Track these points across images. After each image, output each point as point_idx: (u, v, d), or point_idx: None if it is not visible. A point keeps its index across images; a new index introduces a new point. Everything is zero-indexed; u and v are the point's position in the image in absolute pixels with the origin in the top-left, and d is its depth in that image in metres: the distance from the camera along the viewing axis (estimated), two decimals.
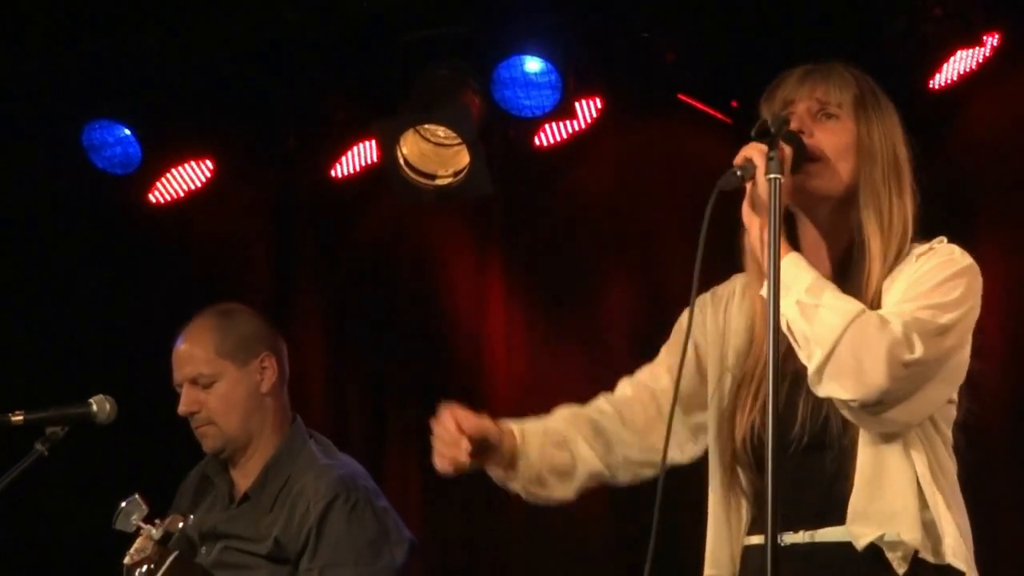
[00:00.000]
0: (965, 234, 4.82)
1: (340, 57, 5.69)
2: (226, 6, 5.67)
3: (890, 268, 2.93)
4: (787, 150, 2.78)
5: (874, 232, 2.93)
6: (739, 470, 2.97)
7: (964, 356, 2.93)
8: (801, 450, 2.87)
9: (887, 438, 2.85)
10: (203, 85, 5.81)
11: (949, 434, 2.98)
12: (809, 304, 2.78)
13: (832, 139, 2.94)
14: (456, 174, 5.61)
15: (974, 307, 2.92)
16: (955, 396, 2.97)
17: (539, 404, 5.61)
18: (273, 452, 4.10)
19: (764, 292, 2.72)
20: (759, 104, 3.01)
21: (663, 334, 3.13)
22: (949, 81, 5.36)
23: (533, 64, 5.49)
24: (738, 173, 2.75)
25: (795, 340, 2.80)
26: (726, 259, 2.98)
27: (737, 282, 3.10)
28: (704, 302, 3.10)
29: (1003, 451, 5.29)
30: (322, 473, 4.04)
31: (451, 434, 2.94)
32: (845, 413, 2.80)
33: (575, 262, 5.96)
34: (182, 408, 4.06)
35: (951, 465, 2.95)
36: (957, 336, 2.88)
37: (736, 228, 2.91)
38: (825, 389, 2.79)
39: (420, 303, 6.14)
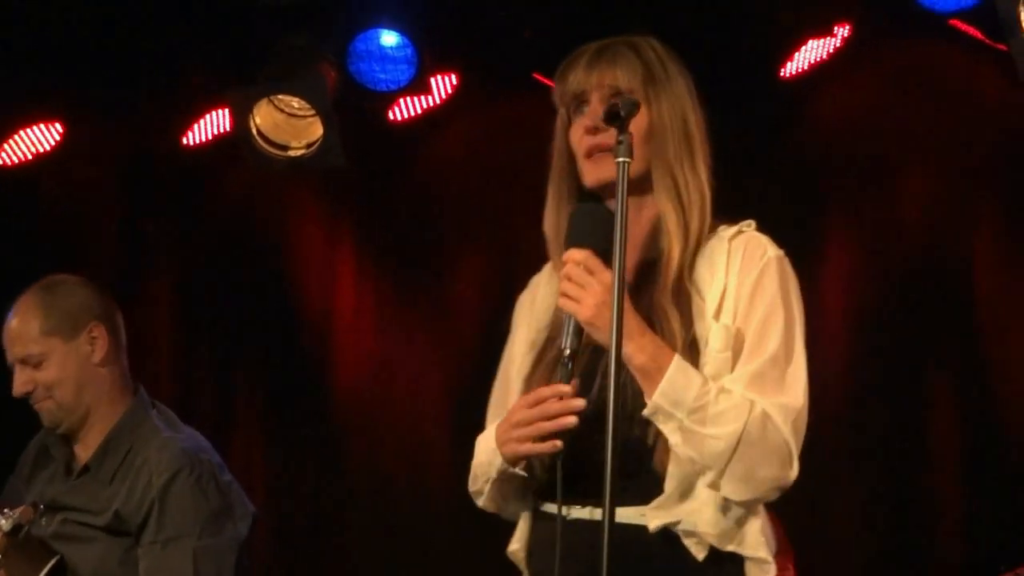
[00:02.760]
0: (814, 220, 5.44)
1: (196, 22, 5.60)
2: None
3: (695, 244, 2.94)
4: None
5: (669, 209, 2.93)
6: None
7: None
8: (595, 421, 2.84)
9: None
10: (53, 45, 5.70)
11: None
12: (695, 433, 2.79)
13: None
14: (309, 146, 5.55)
15: (802, 322, 2.94)
16: None
17: (388, 381, 5.90)
18: (114, 423, 4.07)
19: (616, 286, 2.70)
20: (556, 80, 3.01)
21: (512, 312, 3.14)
22: (800, 70, 5.41)
23: (389, 38, 5.46)
24: (567, 363, 2.77)
25: (681, 456, 2.82)
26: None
27: (547, 267, 3.11)
28: (522, 302, 3.13)
29: (843, 448, 5.36)
30: (165, 445, 4.00)
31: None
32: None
33: (427, 238, 5.97)
34: (15, 390, 4.04)
35: None
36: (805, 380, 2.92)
37: None
38: (723, 492, 2.82)
39: (270, 276, 6.10)
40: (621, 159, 2.76)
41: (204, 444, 4.12)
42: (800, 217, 5.36)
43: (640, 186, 2.95)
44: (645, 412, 2.77)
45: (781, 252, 2.95)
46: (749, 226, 2.96)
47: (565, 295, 2.78)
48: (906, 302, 5.40)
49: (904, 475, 5.36)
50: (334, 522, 5.97)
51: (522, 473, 2.88)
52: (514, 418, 2.83)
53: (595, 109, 2.93)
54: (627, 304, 2.74)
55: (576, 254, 2.79)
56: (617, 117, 2.79)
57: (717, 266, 2.90)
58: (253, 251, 6.12)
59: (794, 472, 2.80)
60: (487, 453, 2.92)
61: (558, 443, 2.76)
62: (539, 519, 2.95)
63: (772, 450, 2.78)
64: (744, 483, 2.77)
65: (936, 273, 5.40)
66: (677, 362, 2.78)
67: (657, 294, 2.89)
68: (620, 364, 2.63)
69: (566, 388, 2.75)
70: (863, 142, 5.47)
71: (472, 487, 3.02)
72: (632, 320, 2.78)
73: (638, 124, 2.90)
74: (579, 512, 2.85)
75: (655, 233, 2.97)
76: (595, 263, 2.78)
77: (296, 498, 6.00)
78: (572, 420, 2.74)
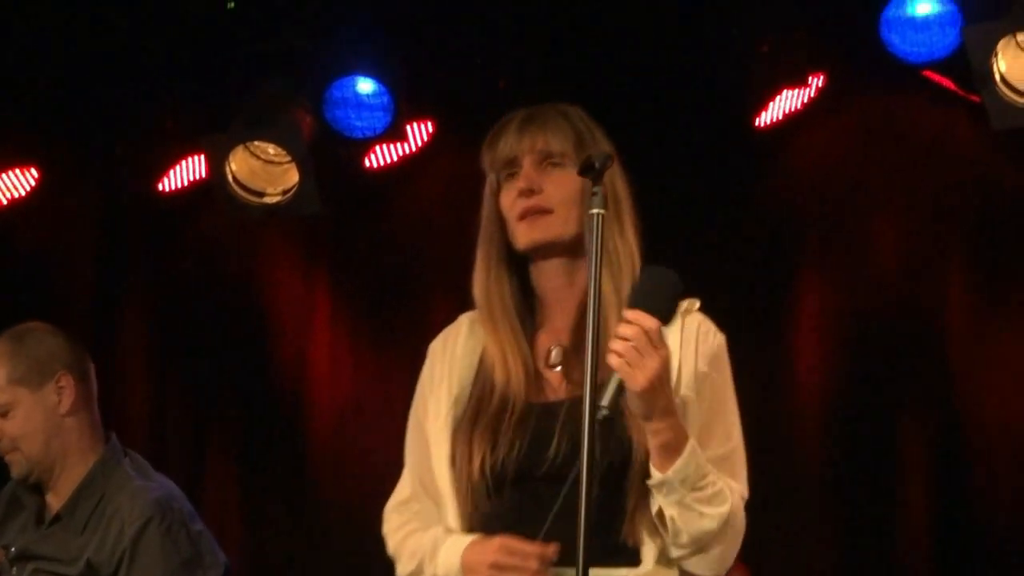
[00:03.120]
0: (787, 272, 5.46)
1: (171, 68, 5.63)
2: (55, 8, 5.61)
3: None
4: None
5: (605, 277, 2.88)
6: (474, 498, 2.94)
7: None
8: (552, 476, 2.86)
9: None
10: (29, 90, 5.74)
11: None
12: (693, 511, 2.82)
13: (560, 190, 2.96)
14: (285, 192, 5.57)
15: None
16: None
17: (363, 428, 5.84)
18: (86, 472, 4.04)
19: (589, 341, 2.71)
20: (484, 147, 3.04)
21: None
22: (775, 119, 5.42)
23: (365, 85, 5.48)
24: (604, 413, 2.73)
25: (663, 525, 2.84)
26: None
27: (464, 320, 3.11)
28: (433, 351, 3.11)
29: (816, 497, 5.40)
30: (137, 494, 3.98)
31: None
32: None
33: (402, 285, 5.91)
34: None
35: None
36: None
37: None
38: (681, 563, 2.88)
39: (245, 323, 6.06)
40: (596, 211, 2.77)
41: (176, 493, 4.10)
42: (772, 264, 5.42)
43: (572, 249, 2.97)
44: (651, 482, 2.79)
45: (723, 337, 2.98)
46: (693, 305, 2.97)
47: (619, 355, 2.73)
48: (878, 348, 5.41)
49: (876, 523, 5.39)
50: (308, 570, 5.93)
51: None
52: (489, 559, 2.82)
53: (528, 173, 2.95)
54: (668, 380, 2.77)
55: (647, 321, 2.74)
56: (592, 169, 2.81)
57: (669, 338, 2.85)
58: (228, 298, 6.07)
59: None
60: (447, 568, 2.89)
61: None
62: None
63: (740, 535, 2.87)
64: (717, 563, 2.85)
65: (908, 320, 5.40)
66: (693, 444, 2.81)
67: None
68: (593, 425, 2.66)
69: (550, 552, 2.76)
70: (836, 190, 5.49)
71: (407, 570, 3.01)
72: (669, 399, 2.78)
73: (568, 186, 2.93)
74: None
75: (583, 306, 2.93)
76: (660, 337, 2.76)
77: (270, 547, 5.95)
78: None
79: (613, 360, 2.72)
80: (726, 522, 2.83)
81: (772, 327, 5.40)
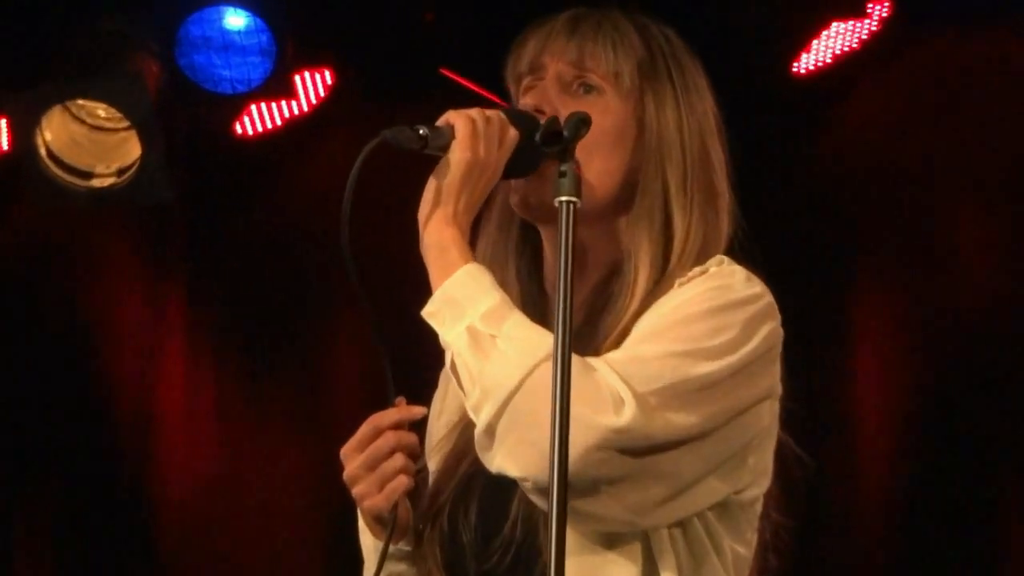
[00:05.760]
0: (838, 262, 5.21)
1: None
2: None
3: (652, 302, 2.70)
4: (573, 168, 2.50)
5: (645, 259, 2.64)
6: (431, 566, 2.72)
7: (749, 430, 2.57)
8: (508, 563, 2.59)
9: (611, 543, 2.58)
10: None
11: (742, 550, 2.63)
12: (484, 334, 2.53)
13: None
14: (122, 172, 5.17)
15: (763, 357, 2.58)
16: (753, 489, 2.62)
17: (235, 497, 5.59)
18: None
19: (425, 310, 2.54)
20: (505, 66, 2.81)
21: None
22: (820, 63, 5.14)
23: (235, 19, 5.15)
24: (420, 132, 2.54)
25: (460, 383, 2.55)
26: None
27: None
28: (445, 374, 2.79)
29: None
30: None
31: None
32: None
33: (289, 302, 5.61)
34: None
35: None
36: (725, 398, 2.53)
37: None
38: (494, 460, 2.51)
39: (67, 356, 5.66)
40: (564, 198, 2.45)
41: None
42: (820, 263, 5.19)
43: (605, 212, 2.66)
44: (424, 311, 2.60)
45: (763, 290, 2.61)
46: (720, 263, 2.63)
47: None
48: (967, 382, 5.15)
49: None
50: None
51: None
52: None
53: (544, 90, 2.67)
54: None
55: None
56: (558, 136, 2.54)
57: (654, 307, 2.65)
58: (43, 321, 5.70)
59: (600, 451, 2.47)
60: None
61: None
62: None
63: (578, 400, 2.44)
64: (523, 440, 2.46)
65: (1003, 330, 5.12)
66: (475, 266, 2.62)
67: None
68: (565, 431, 2.34)
69: (416, 412, 2.60)
70: (905, 162, 5.17)
71: None
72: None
73: (602, 120, 2.62)
74: None
75: (611, 276, 2.67)
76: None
77: None
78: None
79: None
80: (539, 363, 2.46)
81: (824, 340, 5.18)
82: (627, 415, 2.43)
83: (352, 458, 2.59)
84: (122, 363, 5.68)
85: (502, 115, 2.59)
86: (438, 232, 2.58)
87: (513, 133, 2.57)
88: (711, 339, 2.52)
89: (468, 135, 2.54)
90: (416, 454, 2.60)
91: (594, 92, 2.65)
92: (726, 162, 2.72)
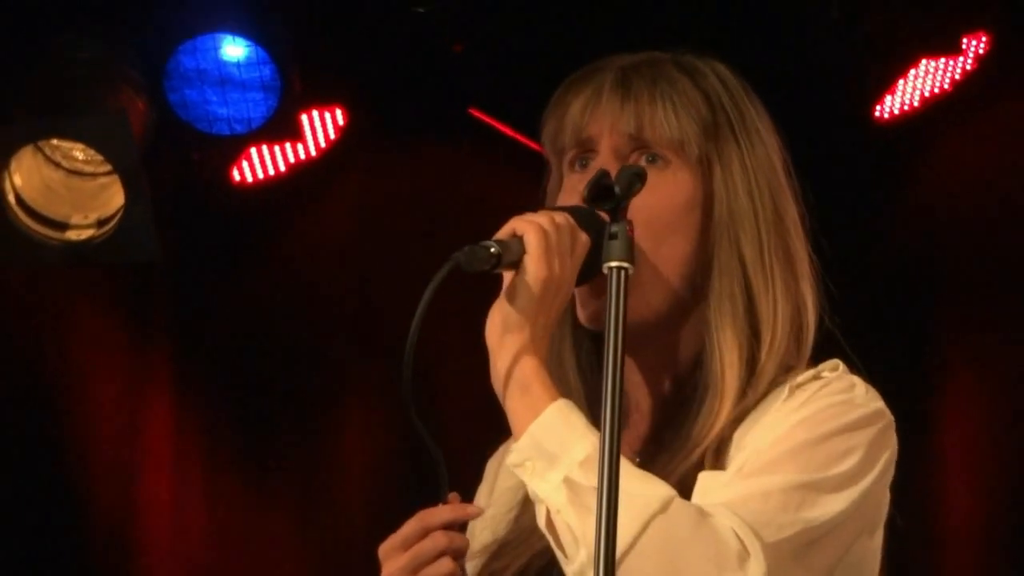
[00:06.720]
0: (923, 332, 5.28)
1: None
2: None
3: (754, 402, 2.56)
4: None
5: (729, 343, 2.55)
6: None
7: (864, 562, 2.51)
8: None
9: None
10: None
11: None
12: (585, 487, 2.40)
13: (653, 206, 2.55)
14: (101, 223, 4.98)
15: (879, 482, 2.49)
16: None
17: None
18: None
19: (511, 460, 2.42)
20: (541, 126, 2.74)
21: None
22: (906, 106, 5.01)
23: (234, 49, 4.96)
24: (492, 250, 2.42)
25: (559, 543, 2.42)
26: None
27: None
28: (488, 471, 2.83)
29: None
30: None
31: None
32: None
33: (290, 374, 5.39)
34: None
35: None
36: (846, 534, 2.45)
37: None
38: None
39: (34, 439, 5.37)
40: (615, 263, 2.34)
41: None
42: (905, 326, 5.13)
43: (666, 322, 2.59)
44: (509, 461, 2.49)
45: (883, 406, 2.50)
46: (835, 368, 2.52)
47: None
48: None
49: None
50: None
51: None
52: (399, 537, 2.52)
53: (602, 166, 2.56)
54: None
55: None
56: (609, 193, 2.38)
57: (764, 419, 2.50)
58: (12, 390, 5.40)
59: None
60: None
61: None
62: None
63: (699, 556, 2.37)
64: None
65: None
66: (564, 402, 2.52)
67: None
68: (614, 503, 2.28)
69: (471, 511, 2.49)
70: (1000, 220, 5.04)
71: None
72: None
73: (671, 198, 2.54)
74: None
75: (690, 373, 2.57)
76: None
77: None
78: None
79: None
80: (652, 517, 2.37)
81: (907, 424, 5.04)
82: (753, 572, 2.38)
83: (393, 558, 2.47)
84: (99, 446, 5.47)
85: (570, 219, 2.48)
86: (515, 362, 2.48)
87: (584, 239, 2.46)
88: (836, 466, 2.44)
89: (542, 250, 2.45)
90: (464, 559, 2.50)
91: (659, 163, 2.53)
92: (800, 217, 2.59)
